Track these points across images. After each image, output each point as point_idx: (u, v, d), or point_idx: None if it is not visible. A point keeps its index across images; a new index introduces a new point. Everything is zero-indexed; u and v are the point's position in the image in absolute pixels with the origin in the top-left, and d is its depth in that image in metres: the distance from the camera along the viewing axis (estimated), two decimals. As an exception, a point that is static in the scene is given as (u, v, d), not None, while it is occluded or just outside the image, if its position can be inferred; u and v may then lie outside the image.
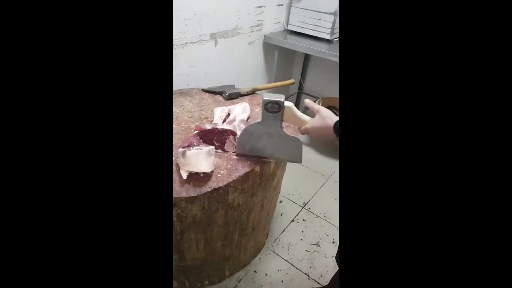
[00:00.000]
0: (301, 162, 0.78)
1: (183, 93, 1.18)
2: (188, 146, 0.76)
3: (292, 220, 1.34)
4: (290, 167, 1.37)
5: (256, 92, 1.21)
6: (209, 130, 0.80)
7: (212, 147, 0.74)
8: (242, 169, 0.76)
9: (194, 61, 1.32)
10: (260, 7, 1.53)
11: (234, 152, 0.81)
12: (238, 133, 0.80)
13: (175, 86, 1.25)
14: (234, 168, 0.76)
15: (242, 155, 0.81)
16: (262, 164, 0.79)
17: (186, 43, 1.24)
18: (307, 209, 1.40)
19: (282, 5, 1.68)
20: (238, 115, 0.93)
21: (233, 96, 1.13)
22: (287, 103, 0.70)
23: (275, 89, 1.17)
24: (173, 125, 0.94)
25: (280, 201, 1.42)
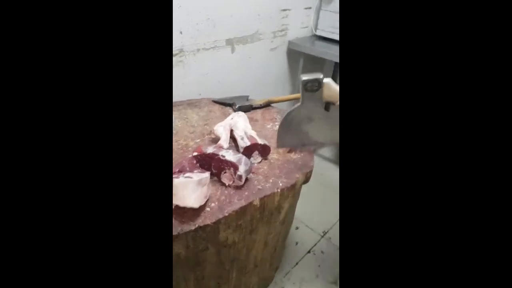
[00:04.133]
0: None
1: (192, 103, 1.08)
2: (179, 171, 0.64)
3: (309, 251, 1.17)
4: (309, 186, 1.20)
5: (271, 104, 1.07)
6: (208, 155, 0.68)
7: (207, 174, 0.61)
8: (237, 202, 0.63)
9: (207, 69, 1.21)
10: (285, 10, 1.40)
11: (230, 186, 0.67)
12: (242, 164, 0.66)
13: (185, 96, 1.15)
14: (228, 200, 0.63)
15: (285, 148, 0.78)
16: (263, 197, 0.65)
17: (198, 49, 1.14)
18: (327, 239, 1.22)
19: (310, 8, 1.53)
20: (248, 129, 0.81)
21: (243, 109, 1.01)
22: (326, 79, 0.68)
23: (292, 102, 1.03)
24: (170, 142, 0.83)
25: (297, 228, 1.26)
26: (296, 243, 1.19)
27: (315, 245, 1.20)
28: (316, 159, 1.71)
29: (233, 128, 0.82)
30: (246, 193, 0.65)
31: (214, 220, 0.59)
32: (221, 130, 0.81)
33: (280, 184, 0.68)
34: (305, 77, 0.67)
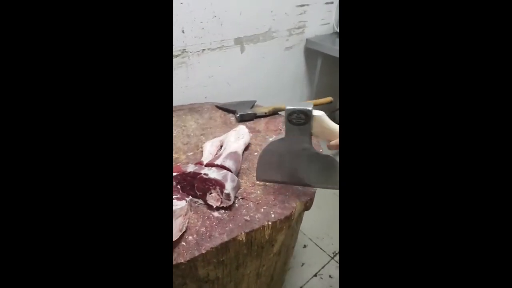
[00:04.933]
0: (338, 188, 0.61)
1: (193, 108, 1.01)
2: (156, 193, 0.56)
3: (315, 275, 1.06)
4: (321, 200, 1.09)
5: (278, 112, 0.96)
6: (189, 173, 0.60)
7: (183, 204, 0.53)
8: (218, 236, 0.54)
9: (213, 71, 1.13)
10: (302, 5, 1.27)
11: (218, 208, 0.59)
12: (229, 181, 0.57)
13: (189, 100, 1.08)
14: (208, 233, 0.54)
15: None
16: (250, 231, 0.55)
17: (203, 49, 1.06)
18: (337, 261, 1.10)
19: (332, 3, 1.39)
20: (229, 145, 0.70)
21: (245, 117, 0.91)
22: (317, 112, 0.56)
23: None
24: (160, 155, 0.76)
25: (304, 246, 1.16)
26: (302, 264, 1.09)
27: (323, 267, 1.09)
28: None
29: (223, 145, 0.73)
30: (231, 225, 0.56)
31: (188, 258, 0.50)
32: (208, 146, 0.72)
33: (272, 216, 0.58)
34: (290, 106, 0.55)
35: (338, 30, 1.44)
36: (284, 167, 0.63)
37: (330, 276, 1.05)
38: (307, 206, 0.64)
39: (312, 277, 1.05)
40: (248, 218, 0.57)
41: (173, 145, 0.80)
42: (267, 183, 0.66)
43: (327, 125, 0.57)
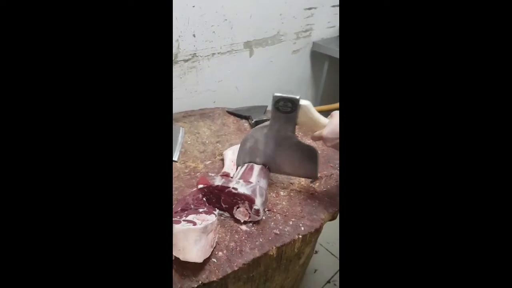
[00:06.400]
0: (316, 178, 0.67)
1: (205, 114, 0.98)
2: (182, 209, 0.54)
3: (328, 281, 1.05)
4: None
5: (292, 118, 0.95)
6: (217, 187, 0.57)
7: (213, 219, 0.51)
8: (250, 251, 0.52)
9: (223, 75, 1.11)
10: (310, 8, 1.26)
11: (245, 222, 0.57)
12: (258, 196, 0.56)
13: (198, 105, 1.05)
14: (238, 248, 0.52)
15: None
16: (282, 245, 0.53)
17: (213, 53, 1.03)
18: (349, 267, 1.10)
19: (339, 5, 1.38)
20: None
21: (261, 123, 0.89)
22: (304, 102, 0.57)
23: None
24: (176, 164, 0.73)
25: (316, 252, 1.14)
26: (315, 271, 1.08)
27: (336, 273, 1.08)
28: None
29: None
30: (261, 239, 0.54)
31: (221, 276, 0.48)
32: (229, 154, 0.70)
33: (302, 229, 0.56)
34: (277, 94, 0.56)
35: (343, 33, 1.44)
36: (265, 154, 0.64)
37: (343, 282, 1.05)
38: (334, 217, 0.63)
39: (325, 284, 1.04)
40: (277, 231, 0.55)
41: (190, 153, 0.77)
42: (291, 193, 0.64)
43: (313, 116, 0.58)
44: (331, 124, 0.56)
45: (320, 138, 0.58)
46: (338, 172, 0.72)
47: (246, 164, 0.66)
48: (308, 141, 0.73)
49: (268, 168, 0.66)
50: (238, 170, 0.64)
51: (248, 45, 1.12)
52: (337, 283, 1.04)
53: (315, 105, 1.03)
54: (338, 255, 1.14)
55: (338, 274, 1.07)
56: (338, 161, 0.76)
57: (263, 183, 0.61)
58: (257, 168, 0.64)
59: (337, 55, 1.30)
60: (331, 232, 1.21)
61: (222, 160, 0.73)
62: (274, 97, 0.56)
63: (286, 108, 0.57)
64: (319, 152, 0.63)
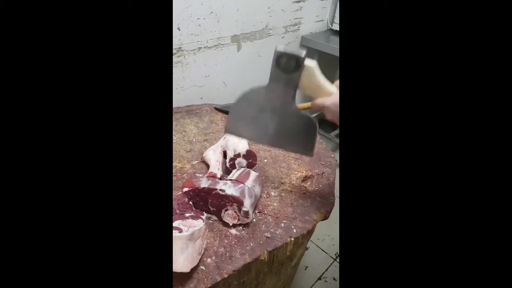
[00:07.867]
0: (312, 155, 0.56)
1: (191, 111, 0.94)
2: (167, 211, 0.51)
3: (319, 278, 1.05)
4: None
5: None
6: (203, 190, 0.55)
7: (201, 224, 0.48)
8: (240, 257, 0.50)
9: (209, 70, 1.07)
10: (298, 1, 1.23)
11: (234, 225, 0.54)
12: (247, 197, 0.53)
13: (185, 101, 1.01)
14: (228, 254, 0.50)
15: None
16: (273, 249, 0.51)
17: (200, 47, 0.99)
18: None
19: (327, -1, 1.36)
20: (237, 146, 0.66)
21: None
22: (310, 62, 0.49)
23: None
24: (162, 165, 0.70)
25: (307, 248, 1.14)
26: (306, 268, 1.07)
27: (326, 270, 1.07)
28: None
29: (225, 149, 0.68)
30: (251, 243, 0.52)
31: (209, 285, 0.46)
32: (211, 155, 0.67)
33: (294, 231, 0.54)
34: (281, 48, 0.48)
35: (332, 27, 1.41)
36: (258, 122, 0.55)
37: (334, 279, 1.04)
38: (326, 217, 0.61)
39: (316, 281, 1.04)
40: (268, 234, 0.53)
41: (176, 153, 0.74)
42: (282, 194, 0.62)
43: (317, 80, 0.50)
44: (338, 95, 0.48)
45: (322, 107, 0.50)
46: (330, 170, 0.71)
47: (242, 169, 0.62)
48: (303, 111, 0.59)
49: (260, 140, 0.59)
50: (233, 172, 0.61)
51: (235, 39, 1.09)
52: (328, 279, 1.04)
53: (304, 100, 1.01)
54: (328, 252, 1.13)
55: (328, 271, 1.07)
56: (329, 159, 0.74)
57: (258, 190, 0.59)
58: (253, 174, 0.61)
59: (326, 49, 1.29)
60: (321, 228, 1.21)
61: (204, 162, 0.70)
62: (276, 52, 0.48)
63: (289, 66, 0.48)
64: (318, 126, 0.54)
